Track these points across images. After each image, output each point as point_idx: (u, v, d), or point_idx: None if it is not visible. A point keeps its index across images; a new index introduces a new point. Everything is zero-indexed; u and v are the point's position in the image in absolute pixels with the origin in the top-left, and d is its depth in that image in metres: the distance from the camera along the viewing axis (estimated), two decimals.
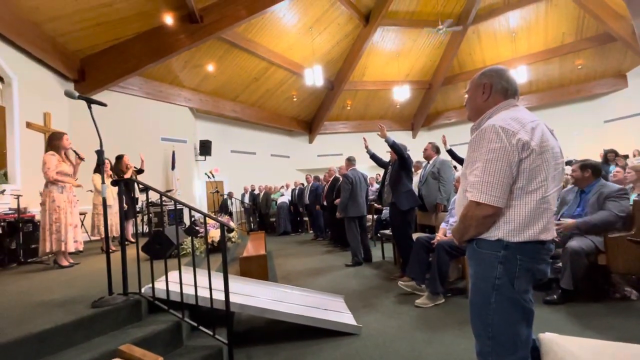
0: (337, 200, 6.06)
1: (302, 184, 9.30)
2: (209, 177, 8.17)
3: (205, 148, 9.84)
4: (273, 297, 2.68)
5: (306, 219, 9.29)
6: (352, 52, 10.97)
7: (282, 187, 10.61)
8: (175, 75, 8.65)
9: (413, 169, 4.18)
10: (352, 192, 4.86)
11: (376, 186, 7.90)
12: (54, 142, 3.56)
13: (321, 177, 8.10)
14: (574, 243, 2.69)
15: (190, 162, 9.53)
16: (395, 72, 11.93)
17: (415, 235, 3.85)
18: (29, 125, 5.68)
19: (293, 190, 9.57)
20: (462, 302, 2.96)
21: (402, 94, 11.19)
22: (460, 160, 4.35)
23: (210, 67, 8.82)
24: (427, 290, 2.99)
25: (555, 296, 2.72)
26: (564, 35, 10.21)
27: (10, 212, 4.25)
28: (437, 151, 4.34)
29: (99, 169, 4.49)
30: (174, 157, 8.65)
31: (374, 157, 4.62)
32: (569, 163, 7.27)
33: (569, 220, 2.82)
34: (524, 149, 1.12)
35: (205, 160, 10.09)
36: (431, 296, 2.94)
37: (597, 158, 6.62)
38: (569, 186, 3.38)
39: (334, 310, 2.70)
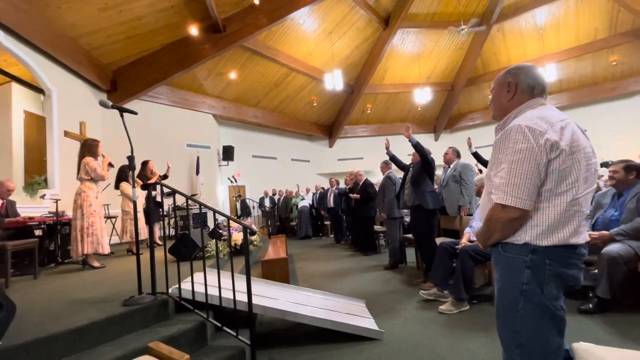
0: (355, 196, 6.03)
1: (323, 188, 9.33)
2: (231, 181, 8.38)
3: (227, 153, 10.10)
4: (294, 300, 2.70)
5: (327, 222, 9.29)
6: (372, 56, 10.95)
7: (301, 191, 10.68)
8: (200, 83, 8.96)
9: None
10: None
11: None
12: (91, 148, 3.78)
13: (341, 181, 8.09)
14: (611, 249, 2.54)
15: (213, 167, 9.79)
16: (416, 75, 11.78)
17: (438, 240, 3.76)
18: (66, 133, 6.06)
19: (314, 194, 9.61)
20: (488, 309, 2.85)
21: (423, 96, 11.03)
22: (485, 163, 4.24)
23: (233, 75, 9.08)
24: (451, 296, 2.91)
25: (590, 305, 2.57)
26: (596, 31, 9.72)
27: (49, 215, 4.53)
28: (458, 155, 4.26)
29: (125, 174, 4.74)
30: (198, 163, 8.93)
31: (394, 159, 4.58)
32: (604, 165, 6.87)
33: (604, 233, 2.67)
34: (553, 149, 1.07)
35: (227, 165, 10.35)
36: (455, 302, 2.86)
37: (636, 159, 6.22)
38: (604, 189, 3.20)
39: (355, 314, 2.68)
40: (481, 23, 9.99)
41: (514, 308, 1.14)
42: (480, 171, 5.44)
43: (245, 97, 10.30)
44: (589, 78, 10.96)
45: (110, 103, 2.16)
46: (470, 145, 4.67)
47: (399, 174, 5.59)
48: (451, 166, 4.21)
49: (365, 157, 13.11)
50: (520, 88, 1.25)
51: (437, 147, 9.75)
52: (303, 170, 12.96)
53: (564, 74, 10.74)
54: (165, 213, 5.41)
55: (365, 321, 2.58)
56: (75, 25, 5.88)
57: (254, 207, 10.52)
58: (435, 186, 4.30)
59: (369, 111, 13.06)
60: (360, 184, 5.98)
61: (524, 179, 1.08)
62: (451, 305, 2.85)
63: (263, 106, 11.04)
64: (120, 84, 7.34)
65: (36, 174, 5.79)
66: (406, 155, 4.11)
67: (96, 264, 3.74)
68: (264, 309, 2.31)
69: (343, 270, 4.81)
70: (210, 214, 7.03)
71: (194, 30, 7.11)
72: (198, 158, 8.97)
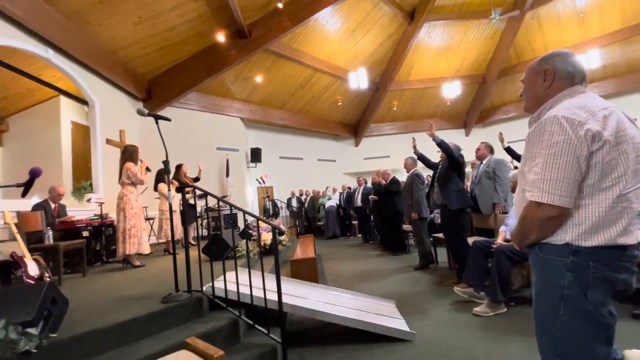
0: (373, 197, 5.97)
1: (349, 188, 9.30)
2: (259, 182, 8.56)
3: (255, 155, 10.34)
4: (324, 299, 2.71)
5: (355, 222, 9.24)
6: (397, 52, 10.75)
7: (328, 190, 10.70)
8: (228, 88, 9.25)
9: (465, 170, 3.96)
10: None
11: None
12: (132, 154, 4.03)
13: (368, 180, 8.02)
14: None
15: (242, 169, 10.06)
16: (444, 68, 11.41)
17: (472, 239, 3.62)
18: (108, 141, 6.47)
19: (341, 193, 9.60)
20: (527, 312, 2.70)
21: (452, 90, 10.65)
22: (520, 158, 4.02)
23: (259, 79, 9.27)
24: (487, 298, 2.80)
25: None
26: None
27: (94, 217, 4.87)
28: (491, 150, 4.07)
29: (162, 177, 5.00)
30: (228, 165, 9.22)
31: (421, 157, 4.47)
32: None
33: None
34: (595, 140, 0.98)
35: (255, 166, 10.59)
36: (491, 304, 2.74)
37: None
38: None
39: (385, 315, 2.65)
40: (514, 10, 9.48)
41: (554, 314, 1.06)
42: (516, 167, 5.17)
43: (271, 99, 10.49)
44: (637, 62, 10.06)
45: (147, 111, 2.29)
46: (502, 140, 4.45)
47: (427, 172, 5.46)
48: (484, 162, 4.04)
49: (392, 155, 12.89)
50: (557, 76, 1.16)
51: (468, 143, 9.38)
52: (329, 170, 12.98)
53: (608, 59, 9.93)
54: (198, 214, 5.64)
55: (396, 322, 2.54)
56: (113, 40, 6.28)
57: (281, 208, 10.69)
58: (468, 183, 4.15)
59: (395, 108, 12.83)
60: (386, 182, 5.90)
61: (561, 174, 1.00)
62: (487, 307, 2.74)
63: (289, 108, 11.18)
64: (154, 92, 7.74)
65: (83, 179, 6.25)
66: (435, 152, 3.99)
67: (137, 263, 3.97)
68: (294, 308, 2.35)
69: (372, 270, 4.77)
70: (240, 215, 7.24)
71: (221, 37, 7.34)
72: (227, 160, 9.25)
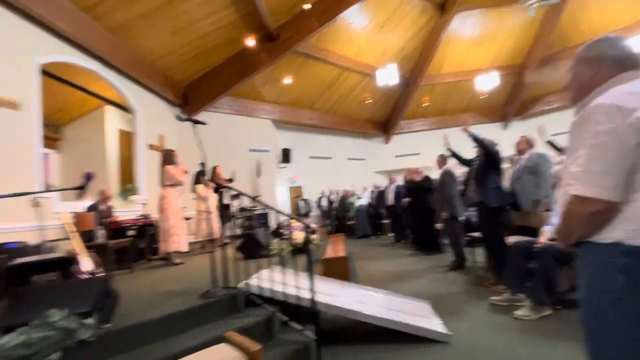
0: (405, 201, 5.84)
1: (380, 186, 9.19)
2: (290, 182, 8.70)
3: (286, 156, 10.52)
4: (356, 298, 2.71)
5: (386, 221, 9.11)
6: (427, 45, 10.43)
7: (358, 189, 10.62)
8: (258, 91, 9.48)
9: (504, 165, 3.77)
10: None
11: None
12: (170, 157, 4.28)
13: (400, 178, 7.87)
14: None
15: (273, 169, 10.27)
16: (479, 60, 10.91)
17: (512, 239, 3.44)
18: (150, 146, 6.91)
19: (371, 192, 9.50)
20: (576, 316, 2.53)
21: (488, 82, 10.15)
22: (563, 152, 3.76)
23: (288, 80, 9.42)
24: (529, 300, 2.65)
25: None
26: None
27: (139, 217, 5.21)
28: (532, 144, 3.83)
29: (199, 178, 5.24)
30: (259, 166, 9.46)
31: (455, 155, 4.32)
32: None
33: None
34: None
35: (286, 167, 10.77)
36: (534, 307, 2.59)
37: None
38: None
39: (419, 315, 2.60)
40: None
41: (603, 319, 0.98)
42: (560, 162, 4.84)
43: (300, 100, 10.60)
44: None
45: (185, 116, 2.42)
46: (543, 133, 4.19)
47: (460, 169, 5.26)
48: (524, 157, 3.82)
49: (423, 152, 12.53)
50: (606, 62, 1.08)
51: (506, 137, 8.86)
52: (359, 169, 12.89)
53: None
54: (232, 214, 5.84)
55: (431, 323, 2.48)
56: (152, 50, 6.67)
57: (310, 208, 10.79)
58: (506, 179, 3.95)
59: (426, 104, 12.45)
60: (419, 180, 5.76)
61: (607, 165, 0.92)
62: (529, 310, 2.59)
63: (317, 108, 11.25)
64: (190, 98, 8.12)
65: (128, 182, 6.72)
66: (470, 148, 3.83)
67: (177, 260, 4.20)
68: (327, 306, 2.37)
69: (404, 270, 4.68)
70: (272, 214, 7.41)
71: (250, 42, 7.54)
72: (259, 161, 9.50)
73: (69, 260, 2.54)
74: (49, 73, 5.36)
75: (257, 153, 9.68)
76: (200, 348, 1.64)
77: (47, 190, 3.09)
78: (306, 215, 10.23)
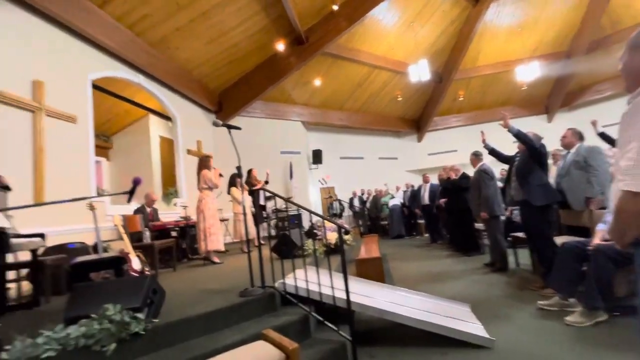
0: (441, 201, 5.62)
1: (413, 186, 8.97)
2: (321, 183, 8.75)
3: (317, 157, 10.60)
4: (392, 299, 2.67)
5: (421, 221, 8.87)
6: (461, 38, 10.03)
7: (390, 189, 10.43)
8: (288, 94, 9.66)
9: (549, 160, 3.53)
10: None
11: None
12: (206, 162, 4.50)
13: (434, 176, 7.62)
14: None
15: (304, 171, 10.39)
16: (519, 49, 10.29)
17: (561, 239, 3.21)
18: (188, 151, 7.29)
19: (404, 192, 9.30)
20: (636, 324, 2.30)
21: (529, 72, 9.53)
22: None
23: (317, 82, 9.49)
24: (582, 305, 2.45)
25: None
26: None
27: (180, 219, 5.52)
28: (580, 137, 3.54)
29: (234, 181, 5.43)
30: (291, 168, 9.62)
31: (493, 152, 4.11)
32: None
33: None
34: None
35: (317, 168, 10.84)
36: (587, 312, 2.39)
37: None
38: None
39: (459, 318, 2.50)
40: None
41: None
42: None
43: (330, 101, 10.64)
44: None
45: (221, 122, 2.53)
46: (595, 124, 3.88)
47: (499, 166, 5.00)
48: (572, 151, 3.54)
49: (459, 149, 12.04)
50: None
51: (551, 130, 8.20)
52: (391, 168, 12.66)
53: None
54: (266, 215, 5.99)
55: (472, 326, 2.38)
56: (189, 61, 7.04)
57: (344, 208, 10.76)
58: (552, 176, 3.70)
59: (461, 98, 11.96)
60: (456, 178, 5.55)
61: None
62: (582, 316, 2.40)
63: (347, 108, 11.22)
64: (224, 104, 8.46)
65: (170, 186, 7.13)
66: (511, 142, 3.61)
67: (216, 259, 4.40)
68: (361, 306, 2.36)
69: (442, 272, 4.53)
70: (304, 216, 7.51)
71: (280, 46, 7.71)
72: (291, 163, 9.65)
73: (121, 260, 2.76)
74: (98, 87, 5.84)
75: (288, 155, 9.85)
76: (239, 344, 1.71)
77: (102, 195, 3.38)
78: (338, 215, 10.23)
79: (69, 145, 4.51)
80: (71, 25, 4.61)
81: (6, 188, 2.50)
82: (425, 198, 7.43)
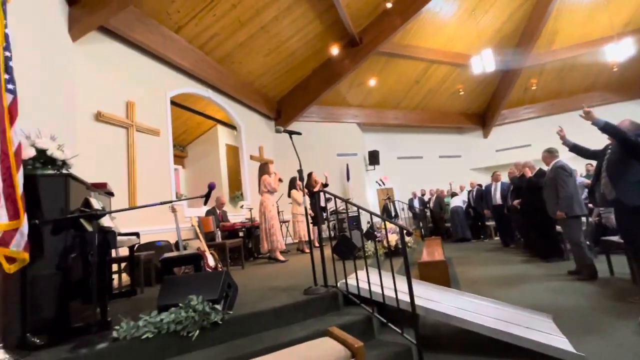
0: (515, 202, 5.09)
1: (480, 185, 8.34)
2: (379, 184, 8.62)
3: (373, 158, 10.47)
4: (459, 305, 2.53)
5: (489, 223, 8.21)
6: (532, 22, 9.08)
7: (454, 188, 9.82)
8: (343, 97, 9.74)
9: None
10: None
11: None
12: (266, 168, 4.78)
13: (503, 174, 7.00)
14: None
15: (361, 172, 10.34)
16: (605, 26, 8.97)
17: None
18: (251, 157, 7.79)
19: (469, 191, 8.70)
20: None
21: (621, 51, 8.23)
22: None
23: (372, 82, 9.41)
24: None
25: None
26: None
27: (246, 221, 5.91)
28: None
29: (293, 184, 5.64)
30: (348, 170, 9.66)
31: (575, 148, 3.63)
32: None
33: None
34: None
35: (374, 169, 10.71)
36: None
37: None
38: None
39: (539, 330, 2.27)
40: None
41: None
42: None
43: (386, 101, 10.46)
44: None
45: (282, 129, 2.68)
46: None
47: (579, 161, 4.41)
48: None
49: (533, 143, 10.87)
50: None
51: None
52: (454, 167, 11.94)
53: None
54: (325, 217, 6.11)
55: (555, 339, 2.15)
56: (250, 73, 7.53)
57: (402, 209, 10.44)
58: None
59: (534, 87, 10.80)
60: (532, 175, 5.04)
61: None
62: None
63: (404, 106, 10.91)
64: (283, 111, 8.86)
65: (236, 189, 7.69)
66: (599, 133, 3.13)
67: (281, 258, 4.63)
68: (427, 310, 2.28)
69: (517, 278, 4.14)
70: (362, 217, 7.48)
71: (334, 50, 7.82)
72: (347, 165, 9.70)
73: (200, 257, 3.07)
74: (174, 102, 6.57)
75: (344, 157, 9.91)
76: (305, 340, 1.78)
77: (183, 199, 3.80)
78: (396, 217, 9.97)
79: (154, 156, 5.15)
80: (152, 51, 5.28)
81: (110, 194, 2.96)
82: (497, 198, 6.85)
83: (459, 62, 9.49)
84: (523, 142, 11.19)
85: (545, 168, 4.48)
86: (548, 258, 4.88)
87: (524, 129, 11.47)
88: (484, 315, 2.38)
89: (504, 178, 6.92)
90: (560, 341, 2.14)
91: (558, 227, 4.95)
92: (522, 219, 5.57)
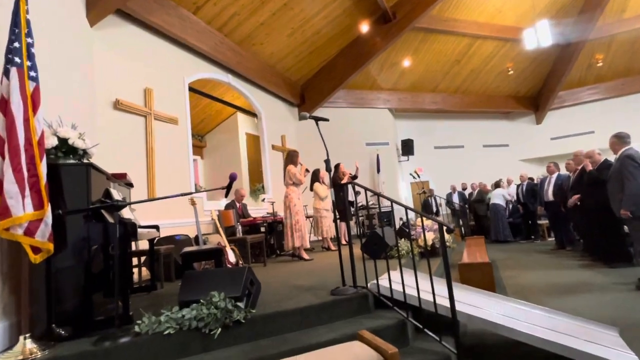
0: (574, 199, 4.79)
1: (532, 178, 7.96)
2: (413, 177, 8.45)
3: (407, 147, 10.27)
4: (507, 312, 2.45)
5: (542, 222, 7.84)
6: None
7: (502, 180, 9.44)
8: (373, 79, 9.57)
9: None
10: None
11: None
12: (293, 158, 4.81)
13: (561, 166, 6.62)
14: None
15: (393, 163, 10.18)
16: None
17: None
18: (273, 147, 7.88)
19: (518, 185, 8.32)
20: None
21: None
22: None
23: (407, 62, 9.18)
24: None
25: None
26: None
27: (267, 215, 6.02)
28: None
29: (316, 177, 5.63)
30: (378, 161, 9.54)
31: None
32: None
33: None
34: None
35: (408, 160, 10.51)
36: None
37: None
38: None
39: (602, 344, 2.15)
40: None
41: None
42: None
43: (422, 83, 10.18)
44: None
45: (308, 115, 2.68)
46: None
47: None
48: None
49: (597, 130, 10.20)
50: None
51: None
52: (500, 158, 11.48)
53: None
54: (355, 212, 6.09)
55: (622, 356, 2.03)
56: (272, 55, 7.58)
57: (440, 205, 10.19)
58: None
59: (599, 64, 10.07)
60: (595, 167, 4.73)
61: None
62: None
63: (442, 89, 10.58)
64: (307, 96, 8.87)
65: (257, 182, 7.84)
66: None
67: (306, 256, 4.69)
68: (469, 317, 2.23)
69: (575, 285, 3.94)
70: (395, 212, 7.38)
71: (364, 27, 7.67)
72: (378, 156, 9.58)
73: (221, 252, 3.17)
74: (192, 89, 6.75)
75: (375, 147, 9.78)
76: (332, 343, 1.80)
77: (203, 190, 3.94)
78: (437, 213, 9.76)
79: (172, 145, 5.34)
80: (170, 34, 5.43)
81: (130, 185, 3.10)
82: (549, 194, 6.50)
83: (508, 36, 9.02)
84: (585, 129, 10.54)
85: (613, 158, 4.20)
86: (613, 263, 4.60)
87: (586, 113, 10.78)
88: (537, 325, 2.29)
89: (562, 170, 6.55)
90: (628, 357, 2.02)
91: (626, 228, 4.64)
92: (582, 217, 5.28)
